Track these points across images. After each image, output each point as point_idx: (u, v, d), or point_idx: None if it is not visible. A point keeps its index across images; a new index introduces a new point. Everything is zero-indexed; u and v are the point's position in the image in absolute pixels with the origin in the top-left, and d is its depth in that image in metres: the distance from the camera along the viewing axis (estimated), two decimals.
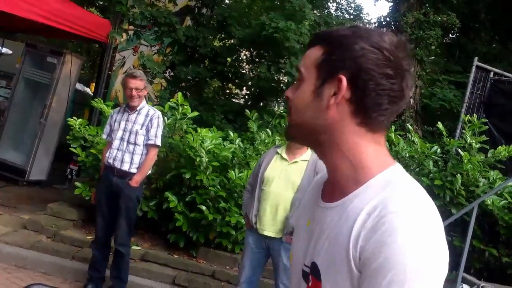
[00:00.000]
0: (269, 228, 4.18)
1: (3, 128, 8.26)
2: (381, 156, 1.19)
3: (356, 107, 1.17)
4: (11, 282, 4.98)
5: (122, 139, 4.88)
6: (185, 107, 6.27)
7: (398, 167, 1.18)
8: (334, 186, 1.22)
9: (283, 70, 7.99)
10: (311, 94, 1.21)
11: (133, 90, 4.82)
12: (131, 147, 4.88)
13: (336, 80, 1.16)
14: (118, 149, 4.88)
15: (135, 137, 4.88)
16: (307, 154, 4.24)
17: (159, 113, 5.05)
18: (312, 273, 1.20)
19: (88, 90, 9.11)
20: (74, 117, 6.49)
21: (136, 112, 4.92)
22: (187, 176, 5.77)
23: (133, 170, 4.87)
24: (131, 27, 8.86)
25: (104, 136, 5.13)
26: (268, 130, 6.71)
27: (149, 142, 4.92)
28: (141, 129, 4.88)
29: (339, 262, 1.10)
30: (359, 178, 1.16)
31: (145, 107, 4.96)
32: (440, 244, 1.06)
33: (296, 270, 1.29)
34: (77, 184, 6.15)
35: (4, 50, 9.11)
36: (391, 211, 1.05)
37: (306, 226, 1.29)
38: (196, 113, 6.37)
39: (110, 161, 4.86)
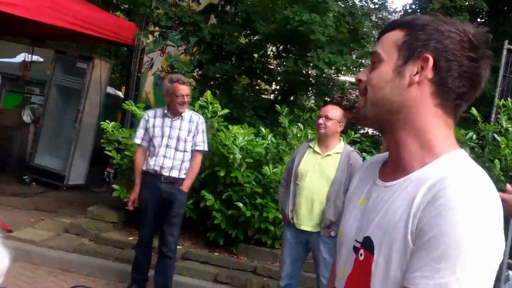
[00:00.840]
0: (306, 222, 4.21)
1: (40, 134, 8.43)
2: (449, 140, 1.22)
3: (437, 87, 1.20)
4: (56, 285, 5.10)
5: (168, 146, 4.79)
6: (215, 105, 6.27)
7: (463, 151, 1.21)
8: (397, 166, 1.26)
9: (311, 64, 7.97)
10: (391, 72, 1.24)
11: (185, 96, 4.75)
12: (180, 154, 4.81)
13: (420, 59, 1.20)
14: (165, 157, 4.78)
15: (184, 145, 4.82)
16: (340, 146, 4.24)
17: (202, 117, 5.04)
18: (365, 248, 1.23)
19: (119, 93, 9.23)
20: (107, 121, 6.56)
21: (180, 118, 4.84)
22: (222, 174, 5.77)
23: (183, 176, 4.84)
24: (156, 28, 8.91)
25: (138, 141, 4.93)
26: (300, 124, 6.69)
27: (198, 148, 4.89)
28: (188, 135, 4.83)
29: (396, 237, 1.13)
30: (424, 158, 1.20)
31: (186, 112, 4.88)
32: (497, 226, 1.06)
33: (346, 245, 1.33)
34: (115, 186, 6.22)
35: (35, 58, 9.26)
36: (450, 185, 1.08)
37: (360, 204, 1.33)
38: (226, 111, 6.36)
39: (157, 169, 4.77)
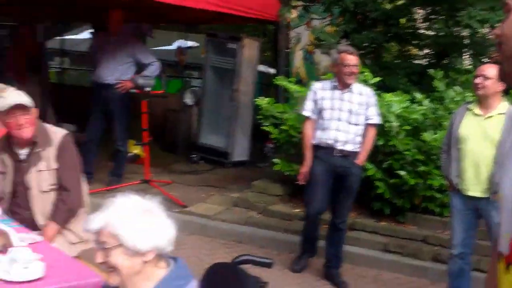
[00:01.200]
0: (473, 188, 4.08)
1: (202, 115, 8.89)
2: None
3: None
4: (231, 256, 5.37)
5: (339, 119, 4.72)
6: (365, 73, 6.19)
7: None
8: None
9: (462, 24, 7.58)
10: None
11: (352, 67, 4.67)
12: (353, 128, 4.74)
13: None
14: (338, 130, 4.71)
15: (357, 118, 4.76)
16: (503, 106, 4.03)
17: (371, 90, 4.99)
18: None
19: (272, 70, 9.47)
20: (261, 97, 6.78)
21: (350, 91, 4.77)
22: (380, 142, 5.69)
23: (357, 150, 4.80)
24: (299, 2, 8.97)
25: (308, 114, 4.83)
26: (457, 87, 6.44)
27: (372, 121, 4.84)
28: (360, 108, 4.76)
29: None
30: None
31: (354, 84, 4.81)
32: None
33: (506, 208, 1.27)
34: (276, 160, 6.41)
35: (191, 43, 9.75)
36: None
37: None
38: (378, 79, 6.26)
39: (331, 142, 4.73)
